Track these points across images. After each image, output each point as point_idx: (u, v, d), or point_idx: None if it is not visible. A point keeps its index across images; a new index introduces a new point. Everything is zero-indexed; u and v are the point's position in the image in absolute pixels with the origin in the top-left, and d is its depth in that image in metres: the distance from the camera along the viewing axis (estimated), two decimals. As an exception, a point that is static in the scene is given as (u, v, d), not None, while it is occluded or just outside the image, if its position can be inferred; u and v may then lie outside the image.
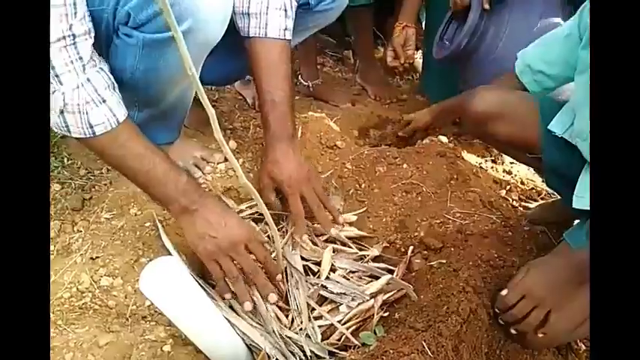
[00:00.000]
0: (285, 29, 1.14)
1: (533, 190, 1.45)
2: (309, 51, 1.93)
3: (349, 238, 1.20)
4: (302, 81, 1.95)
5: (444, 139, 1.49)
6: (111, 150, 0.95)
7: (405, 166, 1.32)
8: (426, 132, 1.59)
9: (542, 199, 1.41)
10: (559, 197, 1.38)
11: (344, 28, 2.25)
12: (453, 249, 1.09)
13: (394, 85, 2.09)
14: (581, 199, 1.02)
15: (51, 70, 0.83)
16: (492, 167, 1.53)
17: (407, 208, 1.23)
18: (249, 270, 1.00)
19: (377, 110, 1.82)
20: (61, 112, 0.88)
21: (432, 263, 1.07)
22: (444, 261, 1.05)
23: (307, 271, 1.11)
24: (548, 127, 1.09)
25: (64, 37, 0.83)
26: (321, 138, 1.42)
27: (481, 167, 1.46)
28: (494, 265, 1.03)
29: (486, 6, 1.45)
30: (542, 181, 1.44)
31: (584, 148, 1.04)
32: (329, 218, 1.17)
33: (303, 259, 1.12)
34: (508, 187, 1.42)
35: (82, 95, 0.88)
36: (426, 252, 1.13)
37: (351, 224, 1.23)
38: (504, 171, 1.52)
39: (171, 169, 0.98)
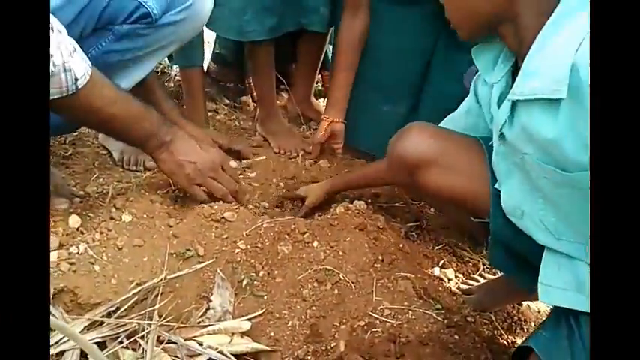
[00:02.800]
0: None
1: (470, 264, 1.20)
2: (195, 96, 1.59)
3: (240, 355, 0.84)
4: None
5: (360, 204, 1.18)
6: (91, 102, 0.90)
7: (315, 244, 1.00)
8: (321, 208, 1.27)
9: (480, 275, 1.16)
10: (501, 274, 1.14)
11: (241, 70, 1.95)
12: (386, 372, 0.77)
13: (300, 135, 1.80)
14: (551, 291, 0.77)
15: None
16: (419, 235, 1.26)
17: (320, 305, 0.91)
18: (231, 187, 1.11)
19: (279, 166, 1.49)
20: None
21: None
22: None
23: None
24: (496, 185, 0.85)
25: None
26: (203, 207, 1.07)
27: (408, 237, 1.19)
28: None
29: None
30: (475, 250, 1.19)
31: (524, 227, 0.80)
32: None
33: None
34: (442, 263, 1.15)
35: (64, 51, 0.83)
36: (349, 374, 0.80)
37: (243, 334, 0.88)
38: (433, 240, 1.26)
39: (142, 107, 1.00)
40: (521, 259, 0.88)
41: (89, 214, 1.07)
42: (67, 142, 1.40)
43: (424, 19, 1.43)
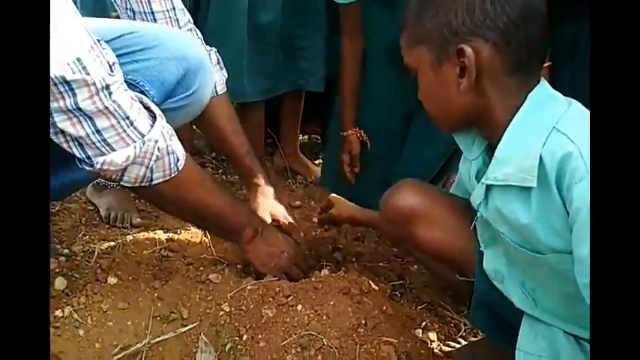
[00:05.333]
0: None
1: (451, 324, 1.22)
2: (254, 132, 1.65)
3: None
4: None
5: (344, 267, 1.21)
6: (187, 187, 0.95)
7: (299, 308, 1.01)
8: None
9: (462, 337, 1.17)
10: (482, 336, 1.15)
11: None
12: None
13: (286, 190, 1.84)
14: (527, 358, 0.79)
15: (126, 124, 0.82)
16: (402, 294, 1.28)
17: (304, 372, 0.91)
18: (303, 272, 1.17)
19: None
20: (155, 159, 0.86)
21: None
22: None
23: None
24: (481, 247, 0.88)
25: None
26: (189, 268, 1.08)
27: (392, 298, 1.21)
28: None
29: None
30: (467, 310, 1.21)
31: (504, 291, 0.83)
32: None
33: None
34: (424, 324, 1.16)
35: (165, 133, 0.88)
36: None
37: (225, 401, 0.88)
38: (416, 299, 1.28)
39: (233, 197, 1.12)
40: (502, 322, 0.90)
41: (75, 275, 1.07)
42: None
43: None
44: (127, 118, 0.82)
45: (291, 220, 1.28)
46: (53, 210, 1.36)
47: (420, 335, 1.12)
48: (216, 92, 1.21)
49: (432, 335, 1.14)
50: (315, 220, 1.47)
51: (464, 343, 1.14)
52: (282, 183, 1.87)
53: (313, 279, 1.09)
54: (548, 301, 0.80)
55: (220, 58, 1.26)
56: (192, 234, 1.29)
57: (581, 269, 0.67)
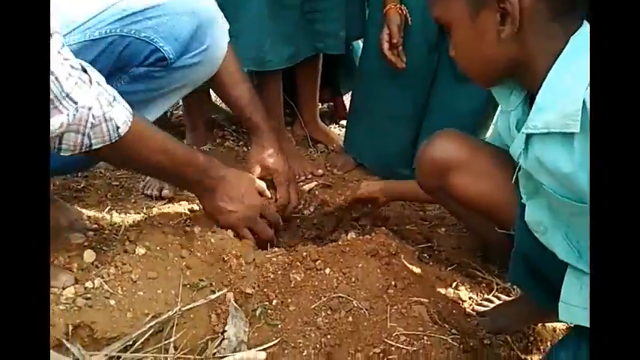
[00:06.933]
0: None
1: (483, 284, 1.20)
2: (194, 112, 1.63)
3: (257, 386, 0.84)
4: None
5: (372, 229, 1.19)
6: (135, 149, 0.92)
7: (327, 271, 1.01)
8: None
9: (495, 296, 1.15)
10: (519, 295, 1.13)
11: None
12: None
13: (307, 158, 1.82)
14: (572, 310, 0.76)
15: (62, 96, 0.78)
16: (431, 256, 1.26)
17: (335, 333, 0.90)
18: (266, 236, 1.14)
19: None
20: (90, 126, 0.83)
21: None
22: None
23: None
24: (522, 199, 0.85)
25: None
26: (206, 244, 1.07)
27: (420, 260, 1.19)
28: None
29: None
30: (498, 270, 1.18)
31: (546, 242, 0.80)
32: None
33: None
34: (455, 284, 1.15)
35: (103, 100, 0.85)
36: (366, 405, 0.79)
37: (259, 364, 0.88)
38: (445, 261, 1.26)
39: (188, 151, 1.04)
40: (542, 277, 0.87)
41: (103, 248, 1.08)
42: (80, 175, 1.43)
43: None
44: (63, 90, 0.79)
45: (284, 177, 1.25)
46: (78, 187, 1.37)
47: (452, 295, 1.11)
48: None
49: (464, 295, 1.12)
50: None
51: (497, 302, 1.12)
52: (304, 152, 1.85)
53: (340, 242, 1.08)
54: None
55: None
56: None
57: None
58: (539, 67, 0.72)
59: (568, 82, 0.68)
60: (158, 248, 1.05)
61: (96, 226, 1.19)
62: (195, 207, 1.28)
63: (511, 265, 0.92)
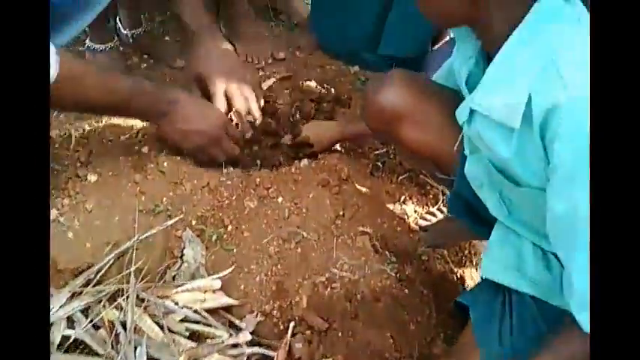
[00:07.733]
0: None
1: (430, 195, 1.27)
2: None
3: (213, 310, 0.94)
4: (119, 27, 1.49)
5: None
6: (69, 95, 0.88)
7: (280, 200, 1.04)
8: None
9: (438, 209, 1.23)
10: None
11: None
12: (340, 334, 0.89)
13: (268, 38, 1.69)
14: (492, 266, 0.85)
15: None
16: (384, 166, 1.29)
17: (285, 263, 0.98)
18: (232, 155, 1.11)
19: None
20: None
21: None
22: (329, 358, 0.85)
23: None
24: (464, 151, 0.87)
25: None
26: (159, 167, 1.06)
27: (372, 174, 1.23)
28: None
29: None
30: (443, 202, 1.24)
31: (481, 196, 0.85)
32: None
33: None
34: (403, 198, 1.21)
35: None
36: (309, 331, 0.91)
37: (215, 290, 0.97)
38: (398, 166, 1.30)
39: (131, 83, 0.99)
40: (478, 216, 0.94)
41: (55, 167, 1.07)
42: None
43: None
44: None
45: (242, 104, 1.15)
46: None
47: (399, 211, 1.18)
48: None
49: (410, 209, 1.20)
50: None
51: (440, 215, 1.21)
52: (264, 27, 1.71)
53: (293, 170, 1.10)
54: (521, 213, 0.82)
55: None
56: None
57: (551, 225, 0.67)
58: (497, 33, 0.68)
59: (520, 66, 0.65)
60: (110, 174, 1.05)
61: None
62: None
63: (450, 202, 0.97)
